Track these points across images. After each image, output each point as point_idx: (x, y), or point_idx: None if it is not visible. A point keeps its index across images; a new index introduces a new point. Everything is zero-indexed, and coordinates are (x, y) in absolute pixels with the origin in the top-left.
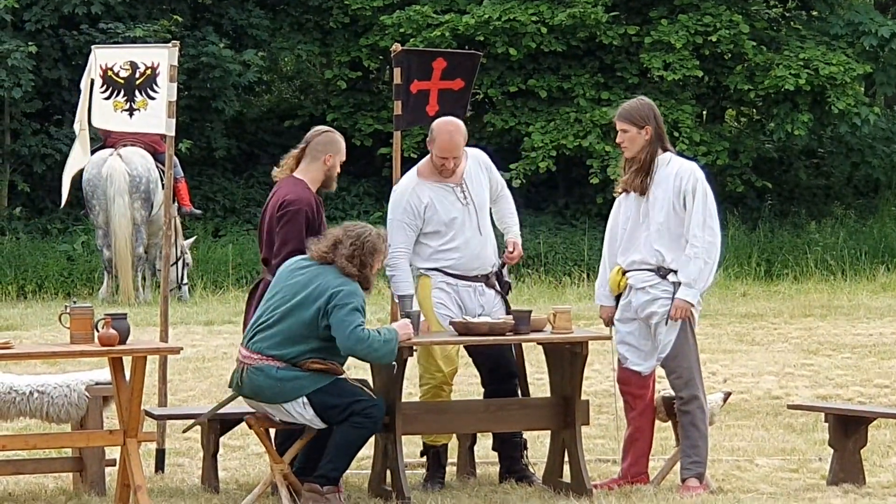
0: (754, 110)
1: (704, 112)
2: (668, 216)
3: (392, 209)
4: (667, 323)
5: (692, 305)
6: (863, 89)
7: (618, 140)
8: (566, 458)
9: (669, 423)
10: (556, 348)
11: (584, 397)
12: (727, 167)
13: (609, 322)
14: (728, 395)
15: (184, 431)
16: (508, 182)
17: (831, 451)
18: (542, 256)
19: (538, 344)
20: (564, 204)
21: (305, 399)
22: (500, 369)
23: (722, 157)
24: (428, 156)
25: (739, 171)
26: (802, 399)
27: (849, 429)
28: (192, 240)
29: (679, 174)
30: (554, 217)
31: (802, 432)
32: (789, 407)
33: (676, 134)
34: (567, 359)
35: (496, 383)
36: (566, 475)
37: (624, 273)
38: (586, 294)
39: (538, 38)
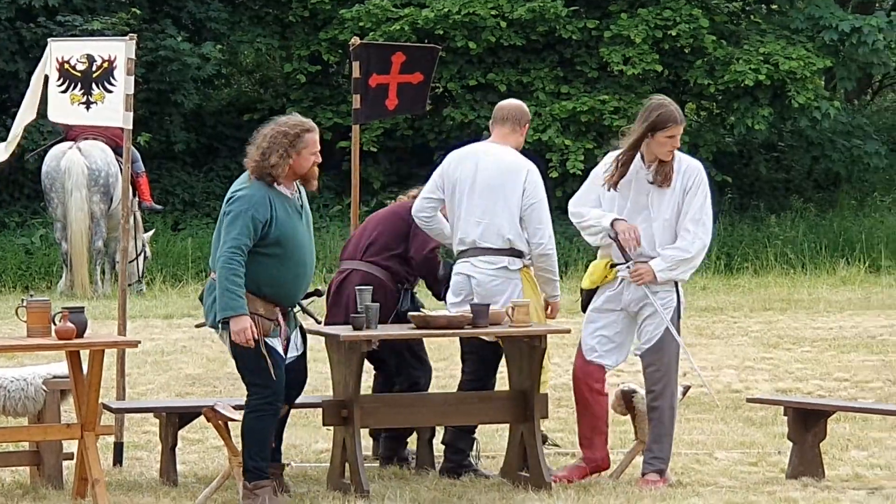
0: (714, 104)
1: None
2: (674, 212)
3: None
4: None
5: (654, 278)
6: (823, 83)
7: (674, 145)
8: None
9: (629, 417)
10: (514, 342)
11: (542, 391)
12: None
13: None
14: (687, 388)
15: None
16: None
17: (790, 444)
18: None
19: (496, 337)
20: None
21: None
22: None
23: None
24: None
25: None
26: (762, 393)
27: (808, 422)
28: (151, 233)
29: (687, 171)
30: None
31: (762, 426)
32: (749, 400)
33: None
34: (525, 352)
35: (479, 379)
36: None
37: (613, 266)
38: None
39: (497, 32)
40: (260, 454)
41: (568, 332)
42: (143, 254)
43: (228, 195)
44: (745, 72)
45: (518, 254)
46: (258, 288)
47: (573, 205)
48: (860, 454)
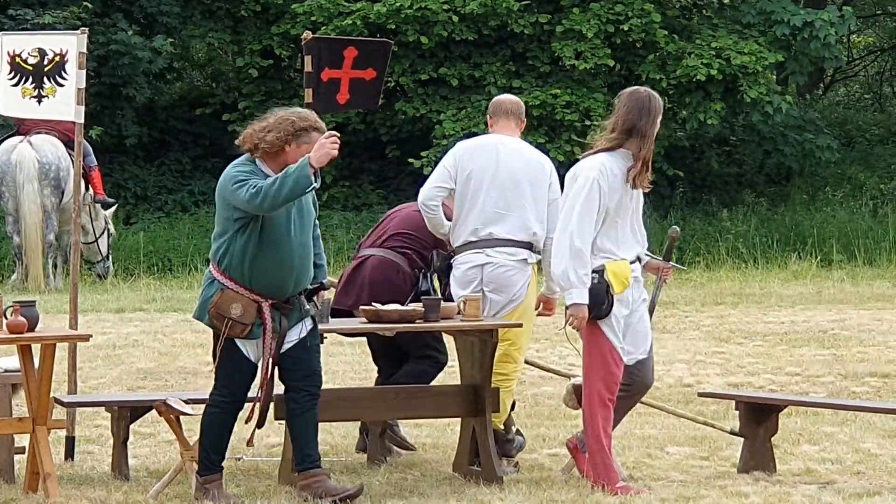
0: (666, 99)
1: (616, 101)
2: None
3: None
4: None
5: None
6: (775, 78)
7: None
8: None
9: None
10: (465, 336)
11: (494, 385)
12: None
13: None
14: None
15: None
16: (419, 170)
17: (741, 439)
18: None
19: (448, 332)
20: None
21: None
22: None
23: None
24: None
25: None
26: (714, 387)
27: (759, 416)
28: (113, 209)
29: None
30: None
31: (713, 419)
32: (700, 395)
33: (588, 122)
34: (477, 346)
35: None
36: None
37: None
38: None
39: (450, 27)
40: (212, 447)
41: (519, 325)
42: (105, 231)
43: (230, 174)
44: (696, 66)
45: (535, 248)
46: (245, 278)
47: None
48: (812, 448)
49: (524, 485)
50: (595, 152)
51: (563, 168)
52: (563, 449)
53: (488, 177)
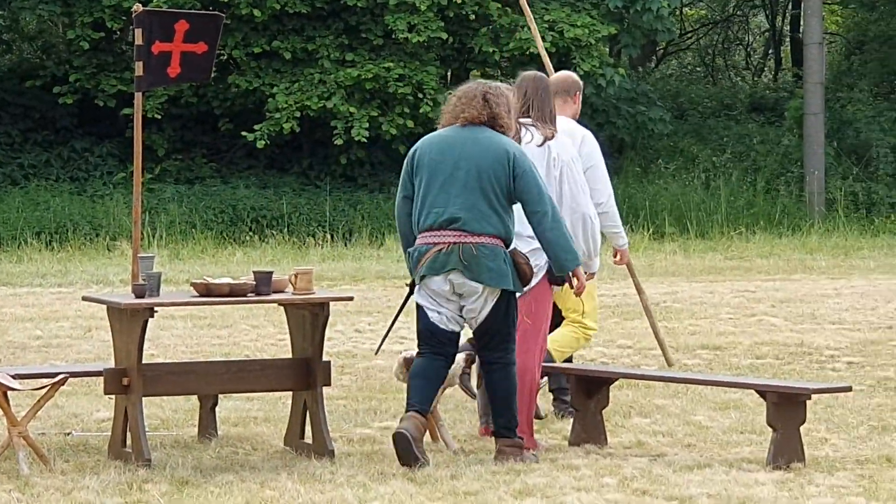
0: (499, 72)
1: (449, 73)
2: None
3: None
4: None
5: None
6: (608, 51)
7: None
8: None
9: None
10: (297, 309)
11: (325, 358)
12: None
13: None
14: (471, 357)
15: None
16: (252, 143)
17: (574, 411)
18: (285, 217)
19: (279, 305)
20: (308, 165)
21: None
22: None
23: None
24: None
25: None
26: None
27: (591, 389)
28: None
29: None
30: (298, 178)
31: (545, 393)
32: (549, 367)
33: (421, 95)
34: (308, 320)
35: None
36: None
37: None
38: (329, 255)
39: (283, 0)
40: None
41: (350, 299)
42: None
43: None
44: (529, 39)
45: None
46: None
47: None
48: (643, 421)
49: (355, 458)
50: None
51: (396, 142)
52: (395, 421)
53: None
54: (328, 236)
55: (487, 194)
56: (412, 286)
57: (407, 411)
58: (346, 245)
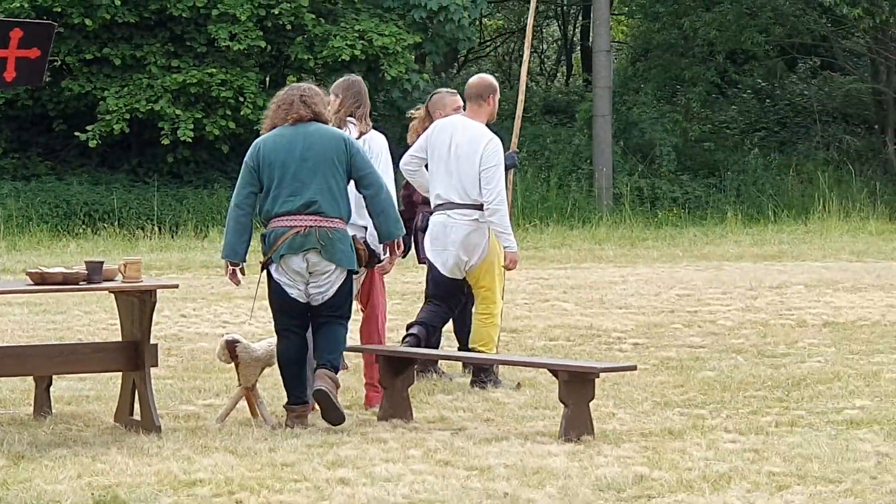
0: (314, 78)
1: (267, 79)
2: None
3: None
4: None
5: None
6: (413, 58)
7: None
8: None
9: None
10: (126, 296)
11: (153, 341)
12: None
13: None
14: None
15: None
16: (85, 143)
17: (383, 389)
18: (116, 211)
19: (110, 292)
20: (138, 163)
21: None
22: None
23: None
24: None
25: None
26: (356, 342)
27: (398, 369)
28: None
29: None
30: (128, 175)
31: (357, 372)
32: (348, 349)
33: (241, 99)
34: (137, 306)
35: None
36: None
37: None
38: (157, 246)
39: (112, 10)
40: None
41: (176, 287)
42: None
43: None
44: (341, 47)
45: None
46: None
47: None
48: (445, 398)
49: (180, 433)
50: None
51: (219, 142)
52: (218, 399)
53: (444, 152)
54: (156, 229)
55: (336, 177)
56: (265, 263)
57: (292, 404)
58: (172, 237)
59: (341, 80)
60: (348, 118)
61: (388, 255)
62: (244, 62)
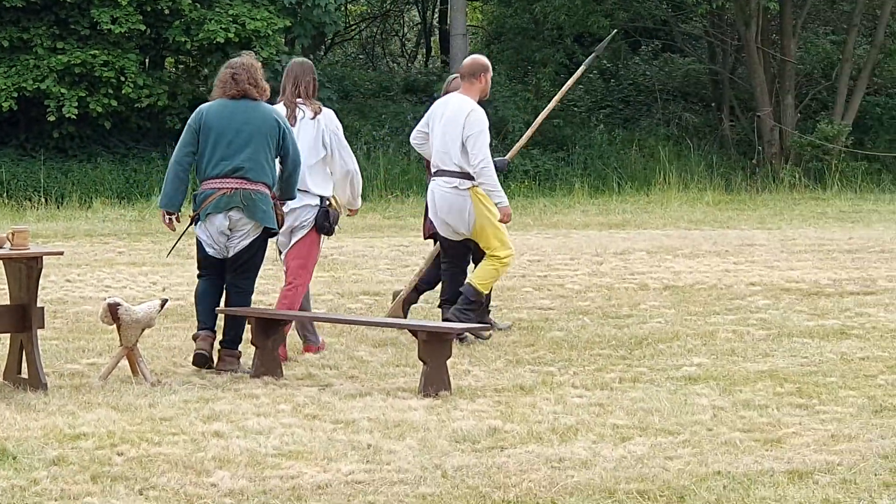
0: (191, 59)
1: (147, 60)
2: None
3: None
4: None
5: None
6: (283, 40)
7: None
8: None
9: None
10: (13, 262)
11: (39, 304)
12: (167, 108)
13: None
14: (165, 301)
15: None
16: None
17: (254, 348)
18: (4, 184)
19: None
20: (25, 138)
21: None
22: None
23: (162, 99)
24: None
25: (177, 111)
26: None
27: (269, 329)
28: None
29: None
30: (16, 150)
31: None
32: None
33: (123, 78)
34: (24, 272)
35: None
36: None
37: None
38: (44, 216)
39: None
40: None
41: (61, 254)
42: None
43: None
44: (216, 31)
45: (467, 176)
46: None
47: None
48: (314, 356)
49: (66, 390)
50: None
51: (101, 119)
52: (101, 358)
53: (437, 124)
54: (43, 200)
55: (265, 150)
56: (194, 218)
57: (199, 330)
58: (58, 207)
59: (291, 62)
60: (297, 100)
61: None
62: (125, 44)
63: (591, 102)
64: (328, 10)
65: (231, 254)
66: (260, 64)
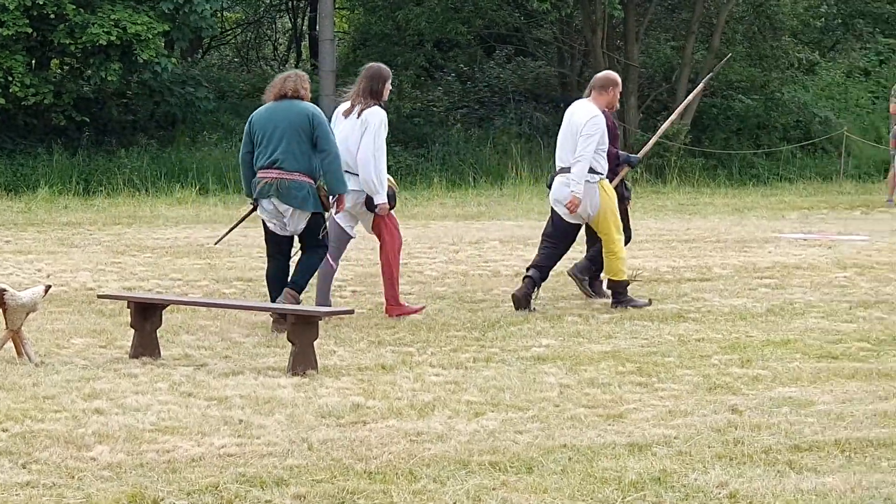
0: (75, 60)
1: (34, 61)
2: None
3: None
4: None
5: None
6: (163, 44)
7: None
8: None
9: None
10: None
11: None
12: (52, 105)
13: None
14: (49, 287)
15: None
16: None
17: (133, 330)
18: None
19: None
20: None
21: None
22: None
23: (48, 98)
24: None
25: (62, 109)
26: (111, 290)
27: (147, 313)
28: None
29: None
30: None
31: (111, 316)
32: (99, 296)
33: (10, 79)
34: None
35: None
36: None
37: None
38: None
39: None
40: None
41: None
42: None
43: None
44: (99, 34)
45: (591, 170)
46: None
47: None
48: (190, 338)
49: None
50: None
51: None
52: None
53: (564, 127)
54: None
55: (299, 142)
56: (254, 206)
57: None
58: None
59: (369, 65)
60: (359, 98)
61: (335, 207)
62: (12, 46)
63: (449, 103)
64: (204, 17)
65: (297, 233)
66: (307, 76)
